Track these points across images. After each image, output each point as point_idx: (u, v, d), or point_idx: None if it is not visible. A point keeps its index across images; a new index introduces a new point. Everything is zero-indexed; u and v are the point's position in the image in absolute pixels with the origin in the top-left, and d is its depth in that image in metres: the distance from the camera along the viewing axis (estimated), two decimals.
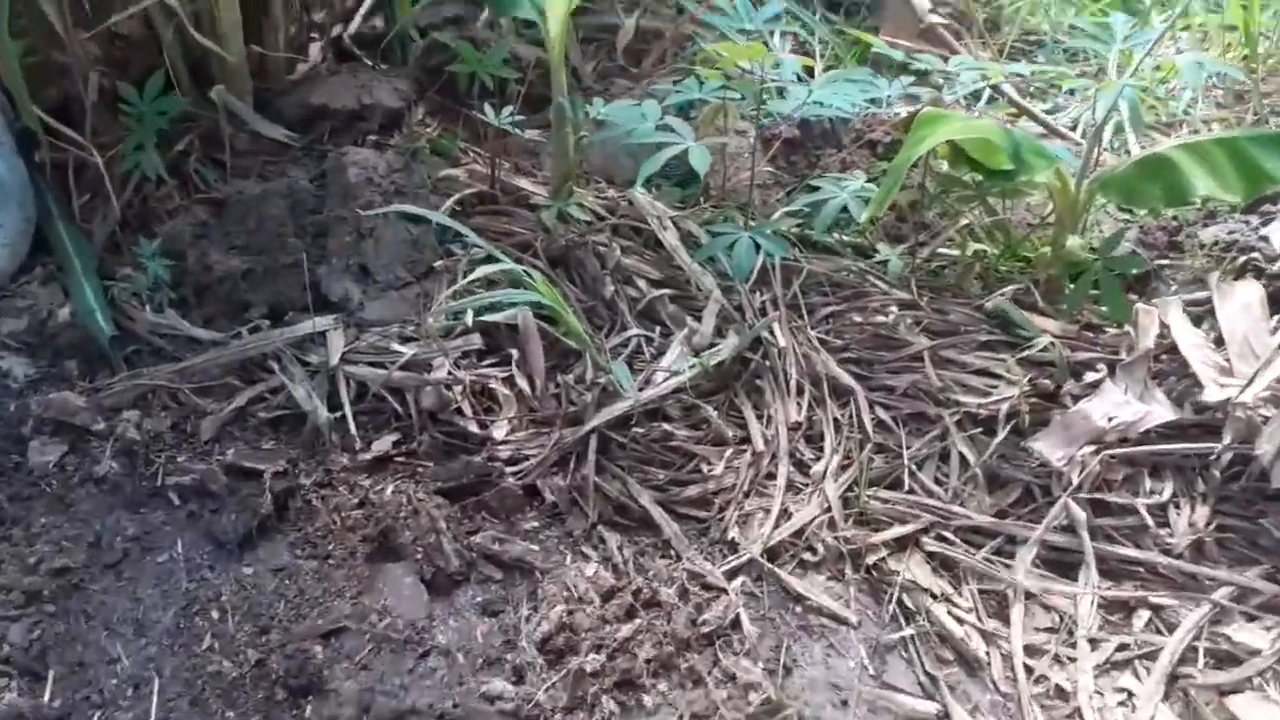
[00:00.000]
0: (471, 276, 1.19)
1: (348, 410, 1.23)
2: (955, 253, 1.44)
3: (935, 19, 1.88)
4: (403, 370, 1.24)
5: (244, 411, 1.26)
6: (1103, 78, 1.98)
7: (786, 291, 1.38)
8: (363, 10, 1.89)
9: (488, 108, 1.45)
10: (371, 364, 1.27)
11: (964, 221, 1.47)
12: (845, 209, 1.33)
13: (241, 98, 1.54)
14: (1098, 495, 1.13)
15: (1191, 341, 1.17)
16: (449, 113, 1.63)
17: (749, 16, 1.67)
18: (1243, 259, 1.32)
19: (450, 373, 1.22)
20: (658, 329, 1.36)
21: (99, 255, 1.42)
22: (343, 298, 1.36)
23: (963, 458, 1.18)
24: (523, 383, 1.26)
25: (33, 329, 1.34)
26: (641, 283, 1.40)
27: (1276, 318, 1.21)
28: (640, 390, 1.23)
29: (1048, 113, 1.90)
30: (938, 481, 1.18)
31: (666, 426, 1.21)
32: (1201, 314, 1.25)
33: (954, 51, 1.90)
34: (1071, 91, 1.95)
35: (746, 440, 1.22)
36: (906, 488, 1.17)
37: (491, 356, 1.30)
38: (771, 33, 1.96)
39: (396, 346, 1.28)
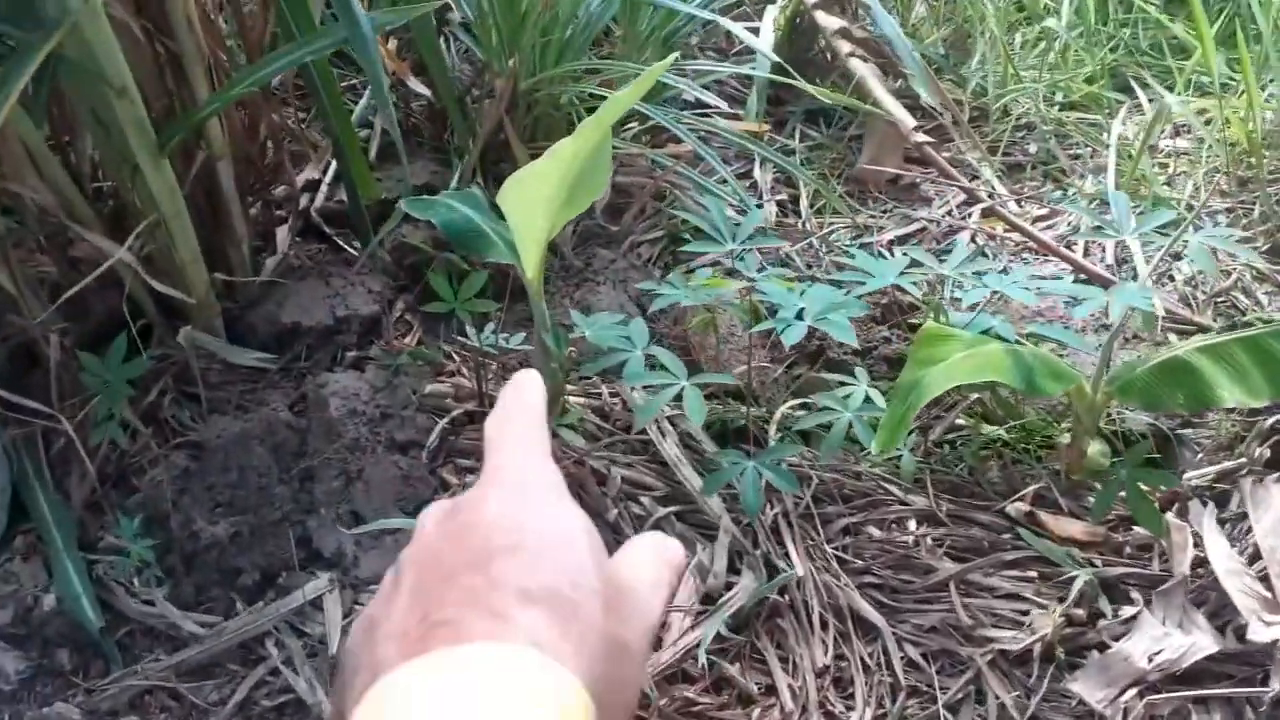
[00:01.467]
0: None
1: None
2: (967, 432, 1.39)
3: (921, 137, 1.81)
4: None
5: (248, 701, 1.20)
6: (1102, 164, 1.93)
7: (799, 502, 1.32)
8: (327, 179, 1.82)
9: (468, 328, 1.39)
10: None
11: (974, 396, 1.41)
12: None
13: (210, 326, 1.48)
14: None
15: (1227, 568, 1.12)
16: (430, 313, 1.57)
17: (728, 174, 1.61)
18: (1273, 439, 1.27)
19: None
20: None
21: (79, 518, 1.36)
22: (335, 552, 1.31)
23: (999, 700, 1.13)
24: None
25: (19, 618, 1.28)
26: (646, 500, 1.35)
27: None
28: (655, 650, 1.17)
29: (1041, 219, 1.85)
30: None
31: (688, 693, 1.16)
32: (1225, 519, 1.20)
33: (944, 173, 1.83)
34: (1065, 191, 1.89)
35: (773, 691, 1.17)
36: None
37: None
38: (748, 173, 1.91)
39: None
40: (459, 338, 1.44)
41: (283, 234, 1.70)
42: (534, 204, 1.09)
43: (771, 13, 1.76)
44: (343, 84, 2.04)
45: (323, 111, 1.52)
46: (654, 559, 0.46)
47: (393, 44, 1.96)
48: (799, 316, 1.23)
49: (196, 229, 1.44)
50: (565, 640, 0.37)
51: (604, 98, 1.70)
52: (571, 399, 1.43)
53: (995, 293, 1.23)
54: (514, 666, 0.35)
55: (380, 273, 1.61)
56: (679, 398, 1.21)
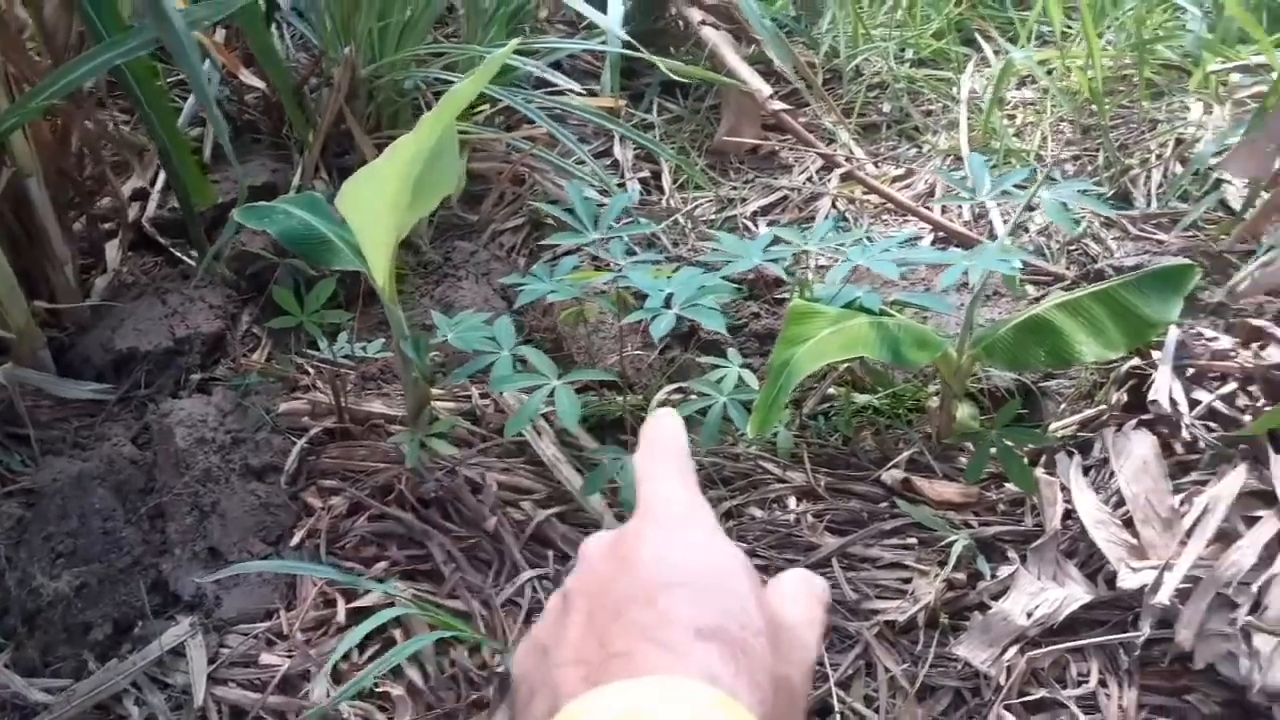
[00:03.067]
0: (359, 634, 1.07)
1: None
2: (839, 402, 1.38)
3: (777, 104, 1.80)
4: (279, 693, 1.12)
5: None
6: (954, 119, 1.95)
7: None
8: (157, 187, 1.70)
9: (320, 340, 1.31)
10: (243, 684, 1.14)
11: (844, 366, 1.41)
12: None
13: (36, 359, 1.36)
14: (1028, 692, 1.11)
15: (1095, 519, 1.14)
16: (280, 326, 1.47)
17: (586, 155, 1.56)
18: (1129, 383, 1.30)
19: (329, 692, 1.11)
20: (551, 554, 1.26)
21: None
22: (195, 594, 1.22)
23: (889, 673, 1.14)
24: (414, 674, 1.15)
25: None
26: (526, 504, 1.30)
27: (1175, 491, 1.19)
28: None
29: (899, 179, 1.86)
30: (867, 700, 1.13)
31: None
32: (1090, 465, 1.23)
33: (802, 140, 1.82)
34: (920, 149, 1.91)
35: None
36: (839, 714, 1.12)
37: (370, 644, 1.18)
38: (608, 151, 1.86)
39: (266, 658, 1.15)
40: (311, 351, 1.36)
41: (112, 250, 1.58)
42: (375, 207, 1.02)
43: None
44: (171, 80, 1.90)
45: (144, 115, 1.40)
46: (805, 596, 0.47)
47: (221, 35, 1.84)
48: (667, 304, 1.19)
49: (10, 254, 1.32)
50: (738, 676, 0.38)
51: (450, 82, 1.63)
52: (440, 405, 1.37)
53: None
54: (691, 699, 0.36)
55: (222, 285, 1.51)
56: (553, 398, 1.17)
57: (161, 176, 1.67)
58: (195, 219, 1.47)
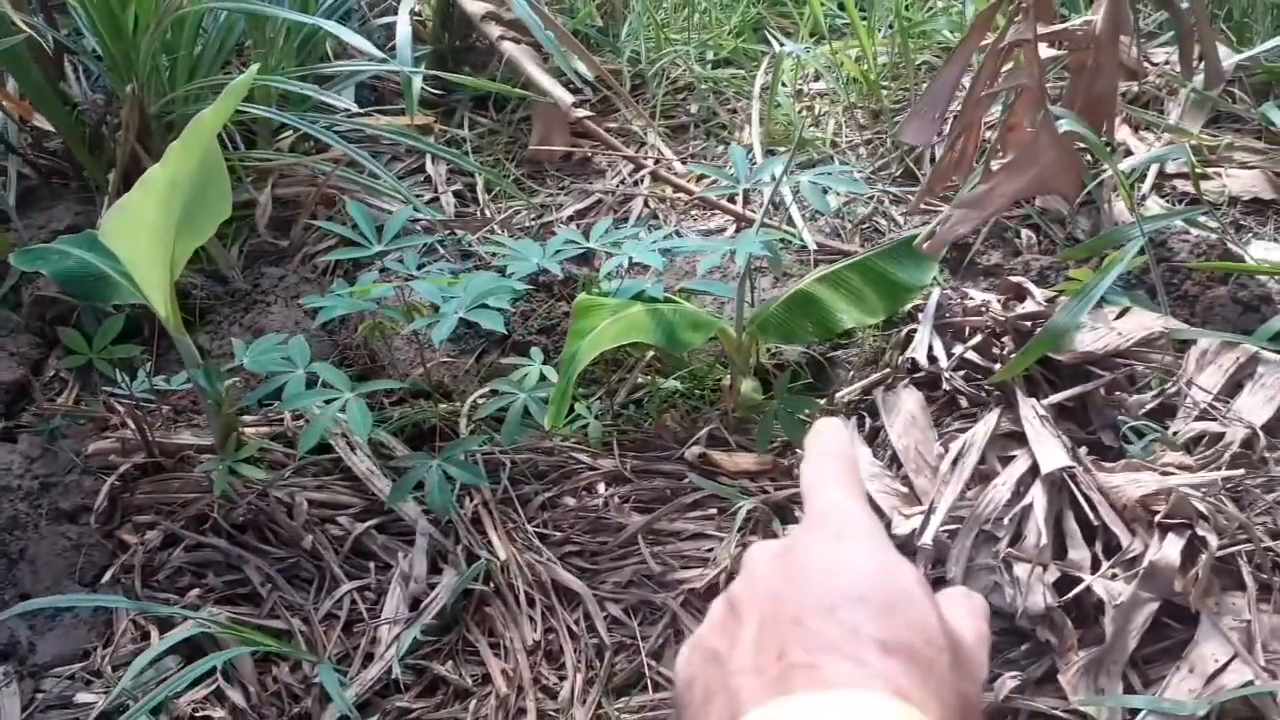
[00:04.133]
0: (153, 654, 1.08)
1: None
2: (648, 389, 1.45)
3: (581, 112, 1.86)
4: None
5: None
6: (747, 112, 2.04)
7: (496, 488, 1.34)
8: None
9: (120, 377, 1.31)
10: None
11: (650, 354, 1.48)
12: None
13: None
14: None
15: (869, 472, 1.23)
16: (83, 367, 1.46)
17: (386, 173, 1.59)
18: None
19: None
20: (373, 565, 1.29)
21: None
22: (8, 642, 1.21)
23: None
24: (235, 695, 1.16)
25: None
26: (343, 519, 1.33)
27: (940, 440, 1.29)
28: (363, 667, 1.17)
29: (706, 176, 1.94)
30: None
31: (400, 702, 1.16)
32: (877, 427, 1.32)
33: (608, 145, 1.89)
34: (726, 146, 2.00)
35: (488, 679, 1.19)
36: (651, 683, 1.18)
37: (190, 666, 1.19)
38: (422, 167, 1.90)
39: (82, 696, 1.15)
40: (114, 389, 1.35)
41: None
42: (139, 238, 1.04)
43: (408, 4, 1.74)
44: None
45: None
46: (971, 613, 0.47)
47: (12, 84, 1.81)
48: (456, 310, 1.24)
49: None
50: (926, 693, 0.38)
51: (246, 113, 1.64)
52: (250, 430, 1.39)
53: (641, 260, 1.28)
54: (881, 715, 0.36)
55: (24, 332, 1.49)
56: (346, 410, 1.20)
57: None
58: None
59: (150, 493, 1.33)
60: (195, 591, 1.24)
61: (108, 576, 1.26)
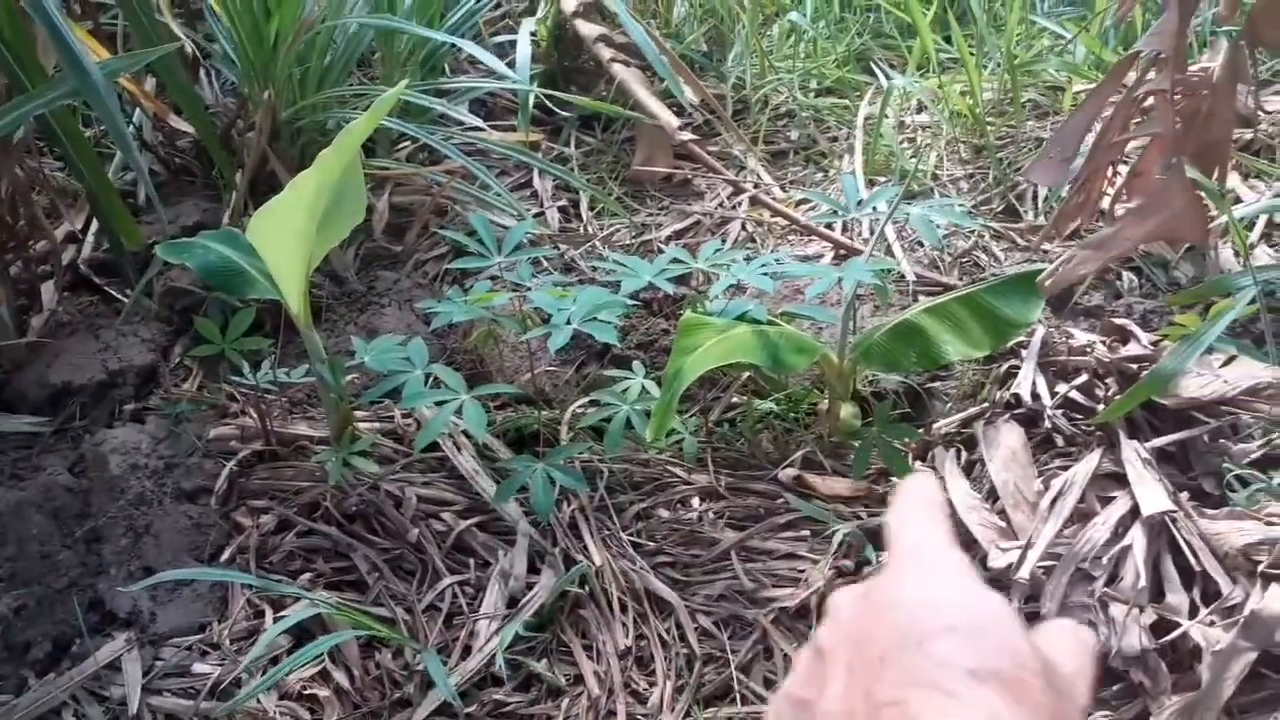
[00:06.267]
0: (276, 631, 1.14)
1: None
2: (743, 409, 1.48)
3: (685, 135, 1.90)
4: (210, 699, 1.18)
5: None
6: (848, 141, 2.06)
7: (593, 495, 1.38)
8: (93, 230, 1.77)
9: (245, 368, 1.38)
10: (177, 693, 1.20)
11: (746, 375, 1.51)
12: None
13: None
14: None
15: (967, 504, 1.24)
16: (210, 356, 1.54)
17: (500, 187, 1.65)
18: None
19: (259, 703, 1.17)
20: (473, 562, 1.34)
21: None
22: (131, 611, 1.28)
23: (785, 655, 1.23)
24: (340, 676, 1.22)
25: None
26: (447, 515, 1.38)
27: (1040, 476, 1.29)
28: (462, 658, 1.21)
29: (804, 202, 1.97)
30: (766, 683, 1.22)
31: (498, 694, 1.20)
32: (974, 460, 1.33)
33: (710, 168, 1.93)
34: (826, 173, 2.02)
35: (580, 680, 1.23)
36: (739, 696, 1.20)
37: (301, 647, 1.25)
38: (529, 182, 1.96)
39: (199, 666, 1.22)
40: (238, 378, 1.43)
41: (48, 291, 1.64)
42: (284, 237, 1.11)
43: (529, 25, 1.81)
44: (104, 128, 1.97)
45: (70, 162, 1.47)
46: (1074, 643, 0.46)
47: (152, 83, 1.91)
48: (569, 321, 1.28)
49: None
50: (1019, 716, 0.37)
51: None
52: (363, 425, 1.45)
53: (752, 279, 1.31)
54: None
55: (154, 320, 1.58)
56: (462, 412, 1.25)
57: (95, 220, 1.74)
58: (126, 259, 1.54)
59: (266, 479, 1.40)
60: (306, 576, 1.29)
61: (225, 556, 1.33)
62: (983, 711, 0.37)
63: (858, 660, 0.41)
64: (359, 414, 1.47)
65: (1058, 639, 0.46)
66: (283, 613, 1.25)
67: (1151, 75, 1.16)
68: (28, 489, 1.35)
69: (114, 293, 1.67)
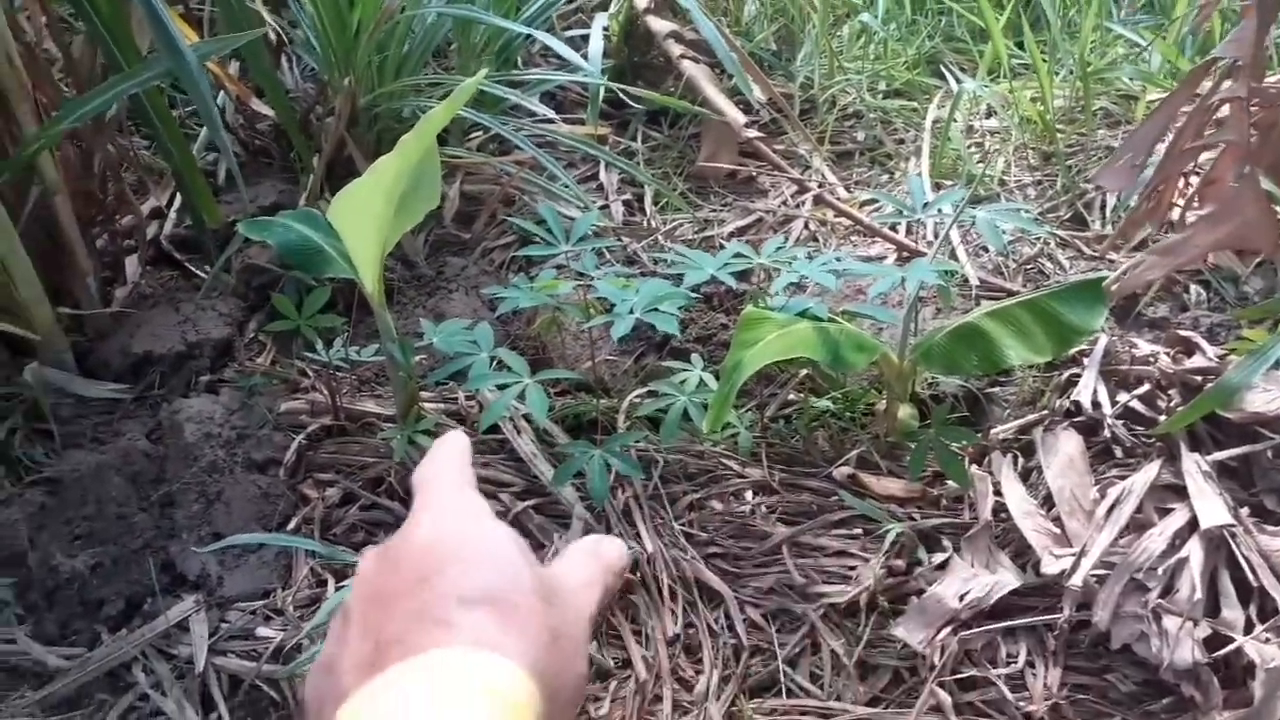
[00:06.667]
0: (340, 597, 1.18)
1: (223, 710, 1.22)
2: (799, 406, 1.49)
3: (751, 133, 1.92)
4: (273, 662, 1.22)
5: None
6: (915, 143, 2.06)
7: (647, 484, 1.40)
8: (175, 207, 1.83)
9: (318, 344, 1.42)
10: (241, 654, 1.25)
11: (803, 372, 1.52)
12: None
13: (60, 360, 1.48)
14: (961, 670, 1.20)
15: (1023, 509, 1.24)
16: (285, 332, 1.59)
17: (568, 179, 1.68)
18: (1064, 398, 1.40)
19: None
20: (529, 543, 1.36)
21: None
22: (200, 574, 1.33)
23: (832, 650, 1.24)
24: None
25: None
26: (505, 496, 1.41)
27: (1097, 485, 1.28)
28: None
29: (869, 203, 1.97)
30: (813, 677, 1.23)
31: None
32: (1031, 467, 1.33)
33: (776, 166, 1.94)
34: (891, 175, 2.02)
35: (628, 664, 1.25)
36: (785, 689, 1.22)
37: None
38: (595, 175, 1.98)
39: (263, 630, 1.27)
40: (311, 355, 1.48)
41: (132, 264, 1.71)
42: (363, 219, 1.14)
43: (601, 20, 1.83)
44: (189, 109, 2.04)
45: (159, 140, 1.53)
46: (586, 560, 0.53)
47: (235, 67, 1.97)
48: (632, 311, 1.31)
49: (39, 265, 1.44)
50: (506, 635, 0.41)
51: None
52: (428, 405, 1.49)
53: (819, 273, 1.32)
54: (459, 666, 0.39)
55: (231, 295, 1.63)
56: (524, 396, 1.28)
57: (178, 197, 1.81)
58: (207, 235, 1.60)
59: (333, 453, 1.45)
60: (368, 548, 1.33)
61: (291, 525, 1.37)
62: (471, 634, 0.40)
63: (370, 612, 0.44)
64: (424, 394, 1.51)
65: (575, 556, 0.52)
66: (344, 582, 1.29)
67: (1228, 83, 1.15)
68: (108, 452, 1.41)
69: (194, 268, 1.73)
